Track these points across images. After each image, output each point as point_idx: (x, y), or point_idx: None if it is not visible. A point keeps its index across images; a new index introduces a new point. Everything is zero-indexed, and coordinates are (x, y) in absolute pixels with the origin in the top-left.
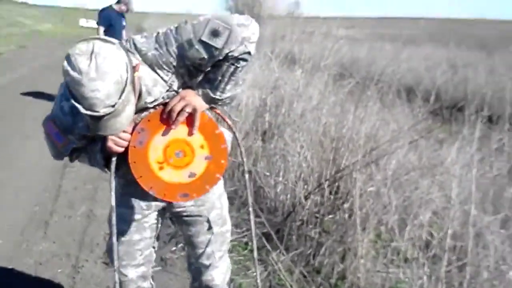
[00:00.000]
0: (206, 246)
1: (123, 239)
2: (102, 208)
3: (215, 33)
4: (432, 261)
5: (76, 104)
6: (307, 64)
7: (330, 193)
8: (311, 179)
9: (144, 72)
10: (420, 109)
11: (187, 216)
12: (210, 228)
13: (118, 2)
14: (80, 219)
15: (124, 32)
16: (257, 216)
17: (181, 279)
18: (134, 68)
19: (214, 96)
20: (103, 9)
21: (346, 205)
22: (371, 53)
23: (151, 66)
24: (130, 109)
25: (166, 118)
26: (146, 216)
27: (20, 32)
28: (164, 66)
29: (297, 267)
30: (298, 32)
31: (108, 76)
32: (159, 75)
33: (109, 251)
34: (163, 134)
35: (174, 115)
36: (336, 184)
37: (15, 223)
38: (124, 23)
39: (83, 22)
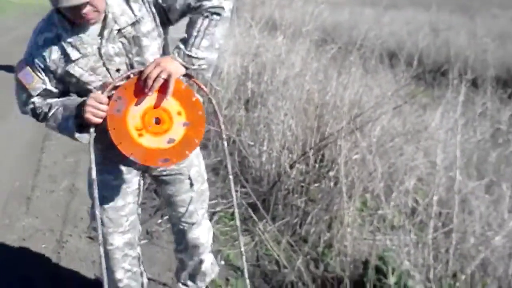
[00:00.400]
0: (189, 204)
1: (106, 206)
2: (84, 182)
3: None
4: (418, 227)
5: None
6: (288, 30)
7: (315, 161)
8: (295, 147)
9: (113, 1)
10: (403, 74)
11: (167, 175)
12: (191, 185)
13: None
14: (63, 194)
15: None
16: (242, 186)
17: (167, 252)
18: None
19: (189, 53)
20: None
21: (331, 173)
22: (353, 18)
23: None
24: None
25: (143, 85)
26: (128, 181)
27: None
28: (139, 0)
29: (284, 237)
30: None
31: None
32: (130, 7)
33: (93, 221)
34: (140, 102)
35: (150, 81)
36: (321, 152)
37: None
38: None
39: None
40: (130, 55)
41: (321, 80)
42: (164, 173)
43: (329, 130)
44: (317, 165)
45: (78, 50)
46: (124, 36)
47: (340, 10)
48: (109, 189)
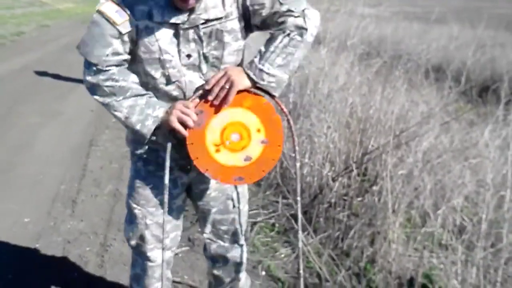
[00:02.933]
0: (230, 224)
1: (149, 221)
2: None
3: None
4: (466, 246)
5: None
6: (332, 43)
7: (358, 175)
8: (338, 160)
9: None
10: (451, 89)
11: (212, 194)
12: (234, 206)
13: None
14: (107, 198)
15: None
16: (284, 197)
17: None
18: None
19: (261, 67)
20: None
21: (375, 188)
22: (399, 32)
23: None
24: None
25: (210, 93)
26: (174, 197)
27: (41, 11)
28: None
29: (326, 250)
30: (322, 11)
31: None
32: (223, 1)
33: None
34: (221, 116)
35: (216, 89)
36: (364, 166)
37: (42, 202)
38: None
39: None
40: (208, 47)
41: (365, 94)
42: (209, 191)
43: (372, 144)
44: (359, 179)
45: (162, 15)
46: (208, 27)
47: (385, 24)
48: (153, 204)
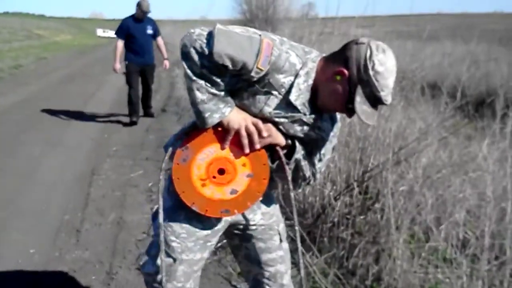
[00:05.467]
0: (279, 264)
1: (185, 256)
2: (131, 215)
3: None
4: (470, 259)
5: (378, 94)
6: None
7: (360, 193)
8: (339, 179)
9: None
10: (447, 105)
11: (256, 230)
12: (281, 241)
13: (138, 5)
14: (111, 226)
15: (160, 41)
16: (287, 218)
17: (214, 284)
18: None
19: (314, 169)
20: (123, 20)
21: (377, 205)
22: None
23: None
24: None
25: (235, 138)
26: (213, 235)
27: (39, 44)
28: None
29: (331, 269)
30: (316, 33)
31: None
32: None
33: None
34: (206, 152)
35: (256, 137)
36: (365, 184)
37: (47, 232)
38: (150, 31)
39: (100, 32)
40: (305, 126)
41: None
42: (253, 227)
43: (372, 162)
44: (361, 197)
45: (296, 102)
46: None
47: None
48: (192, 240)
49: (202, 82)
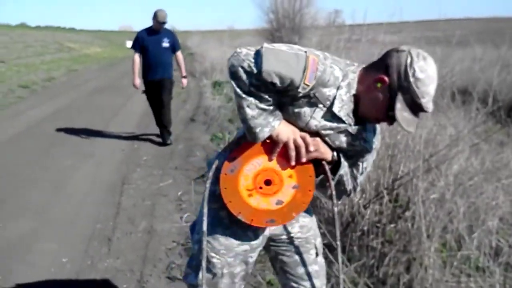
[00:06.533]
0: (314, 279)
1: (225, 271)
2: (161, 223)
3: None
4: (503, 268)
5: (418, 101)
6: None
7: (390, 201)
8: (368, 187)
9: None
10: (478, 111)
11: (292, 243)
12: (317, 255)
13: (154, 16)
14: (141, 235)
15: (179, 56)
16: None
17: None
18: None
19: (356, 183)
20: (138, 32)
21: (407, 214)
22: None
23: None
24: None
25: (283, 150)
26: (253, 250)
27: (69, 56)
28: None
29: (361, 278)
30: (343, 41)
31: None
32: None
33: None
34: (254, 164)
35: (303, 150)
36: (395, 192)
37: (78, 241)
38: (166, 44)
39: (129, 44)
40: (350, 137)
41: None
42: (290, 240)
43: (402, 170)
44: (391, 205)
45: (340, 113)
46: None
47: None
48: (232, 253)
49: (251, 99)
